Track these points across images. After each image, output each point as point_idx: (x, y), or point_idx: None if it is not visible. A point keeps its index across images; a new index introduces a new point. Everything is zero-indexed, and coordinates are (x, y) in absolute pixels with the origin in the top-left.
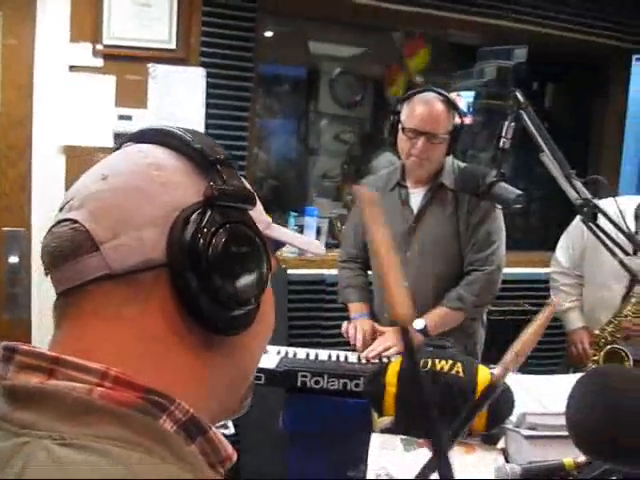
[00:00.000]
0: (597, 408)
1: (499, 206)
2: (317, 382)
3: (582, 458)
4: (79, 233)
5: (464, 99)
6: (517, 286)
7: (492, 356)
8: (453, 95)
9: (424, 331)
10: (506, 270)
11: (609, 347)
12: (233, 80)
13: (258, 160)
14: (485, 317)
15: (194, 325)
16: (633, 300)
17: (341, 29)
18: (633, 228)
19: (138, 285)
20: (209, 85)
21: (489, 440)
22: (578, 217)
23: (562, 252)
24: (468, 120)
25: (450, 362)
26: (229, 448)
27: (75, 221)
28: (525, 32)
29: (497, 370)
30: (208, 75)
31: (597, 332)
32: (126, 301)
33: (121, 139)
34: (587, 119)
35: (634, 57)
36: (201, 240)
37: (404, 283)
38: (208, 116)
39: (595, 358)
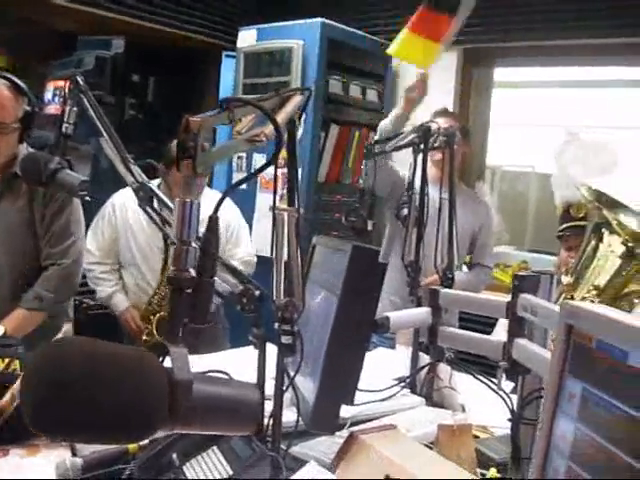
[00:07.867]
0: (44, 383)
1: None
2: None
3: (145, 441)
4: None
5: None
6: None
7: None
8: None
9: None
10: None
11: (159, 315)
12: None
13: None
14: (71, 312)
15: None
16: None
17: None
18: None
19: None
20: None
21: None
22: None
23: (91, 243)
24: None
25: (7, 361)
26: None
27: None
28: (127, 24)
29: None
30: None
31: (145, 306)
32: None
33: None
34: (187, 111)
35: (224, 54)
36: None
37: None
38: None
39: (149, 329)
